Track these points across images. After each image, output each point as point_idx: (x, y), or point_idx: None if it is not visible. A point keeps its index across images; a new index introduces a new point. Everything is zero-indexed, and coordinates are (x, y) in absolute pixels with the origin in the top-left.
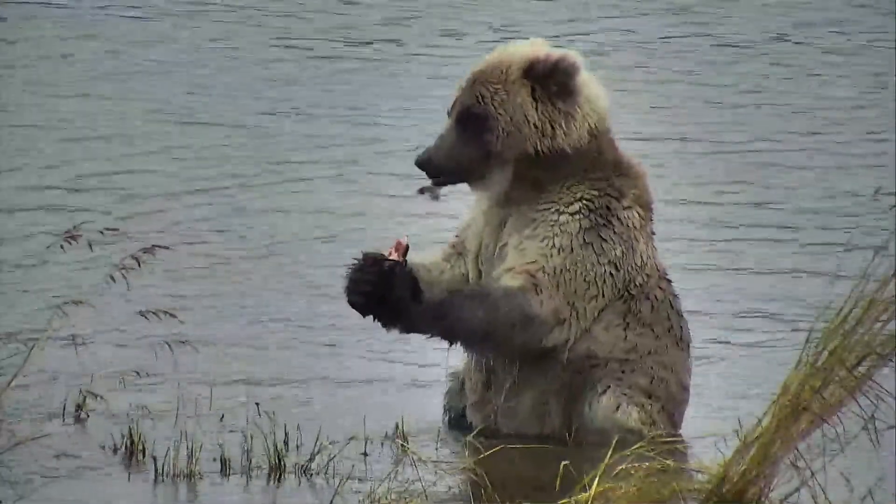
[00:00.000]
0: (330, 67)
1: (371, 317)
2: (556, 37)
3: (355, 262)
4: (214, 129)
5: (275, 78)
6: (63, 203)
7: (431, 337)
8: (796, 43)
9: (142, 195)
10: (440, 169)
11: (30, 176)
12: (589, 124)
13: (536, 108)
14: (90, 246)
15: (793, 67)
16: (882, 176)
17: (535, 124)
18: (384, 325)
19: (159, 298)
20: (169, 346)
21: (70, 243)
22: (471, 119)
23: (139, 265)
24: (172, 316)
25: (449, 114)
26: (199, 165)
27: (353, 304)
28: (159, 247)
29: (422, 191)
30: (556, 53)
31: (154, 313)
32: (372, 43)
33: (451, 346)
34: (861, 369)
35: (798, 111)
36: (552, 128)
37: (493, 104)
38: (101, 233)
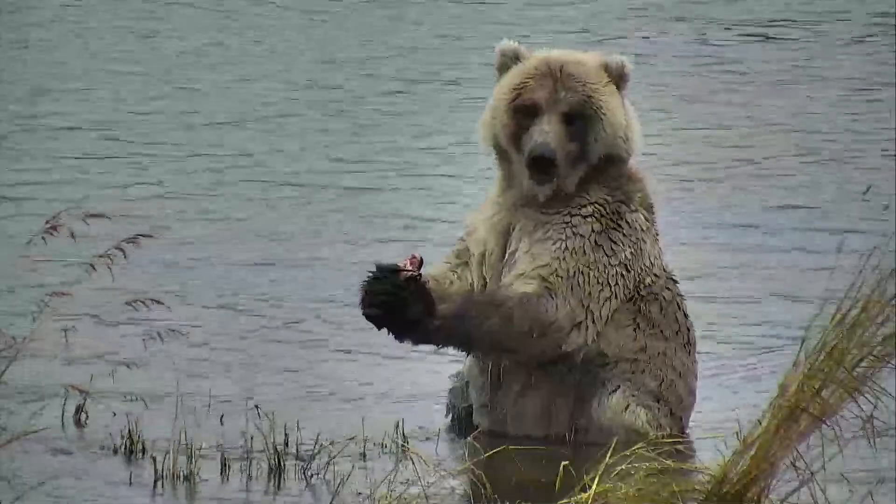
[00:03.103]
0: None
1: (385, 329)
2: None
3: (370, 274)
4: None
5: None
6: (45, 193)
7: (443, 347)
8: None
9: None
10: (559, 163)
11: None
12: (640, 134)
13: (624, 112)
14: (72, 235)
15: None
16: (878, 176)
17: (624, 128)
18: (398, 338)
19: (156, 291)
20: (159, 335)
21: (52, 234)
22: (579, 117)
23: (125, 256)
24: (160, 303)
25: (534, 108)
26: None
27: (368, 317)
28: (143, 235)
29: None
30: (618, 57)
31: (142, 302)
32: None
33: (467, 355)
34: (860, 370)
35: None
36: (629, 133)
37: (598, 105)
38: (84, 220)
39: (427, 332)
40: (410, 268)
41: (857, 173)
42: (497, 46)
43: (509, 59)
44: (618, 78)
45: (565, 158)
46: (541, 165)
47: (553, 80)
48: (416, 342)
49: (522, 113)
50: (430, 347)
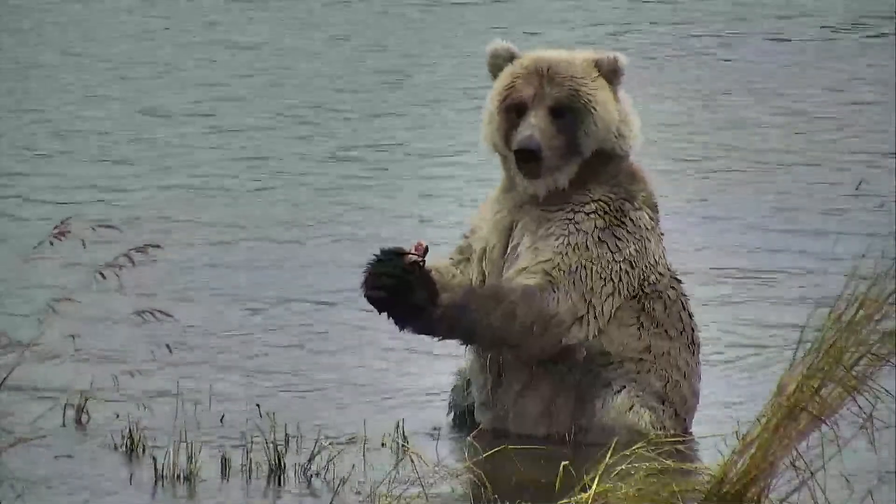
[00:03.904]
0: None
1: (385, 314)
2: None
3: (374, 257)
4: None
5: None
6: (53, 198)
7: (444, 339)
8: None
9: (132, 191)
10: (546, 157)
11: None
12: (638, 129)
13: (617, 107)
14: (83, 243)
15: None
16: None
17: (617, 123)
18: (399, 324)
19: (158, 294)
20: (168, 348)
21: (60, 239)
22: (567, 111)
23: (132, 264)
24: (168, 315)
25: (522, 105)
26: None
27: (371, 300)
28: (151, 246)
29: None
30: (612, 53)
31: (150, 313)
32: None
33: (466, 346)
34: (858, 368)
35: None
36: (622, 129)
37: (587, 98)
38: (93, 229)
39: (429, 320)
40: (416, 253)
41: (859, 172)
42: (487, 48)
43: (502, 60)
44: (610, 73)
45: (553, 151)
46: (526, 158)
47: (539, 78)
48: (418, 330)
49: (512, 112)
50: (431, 339)
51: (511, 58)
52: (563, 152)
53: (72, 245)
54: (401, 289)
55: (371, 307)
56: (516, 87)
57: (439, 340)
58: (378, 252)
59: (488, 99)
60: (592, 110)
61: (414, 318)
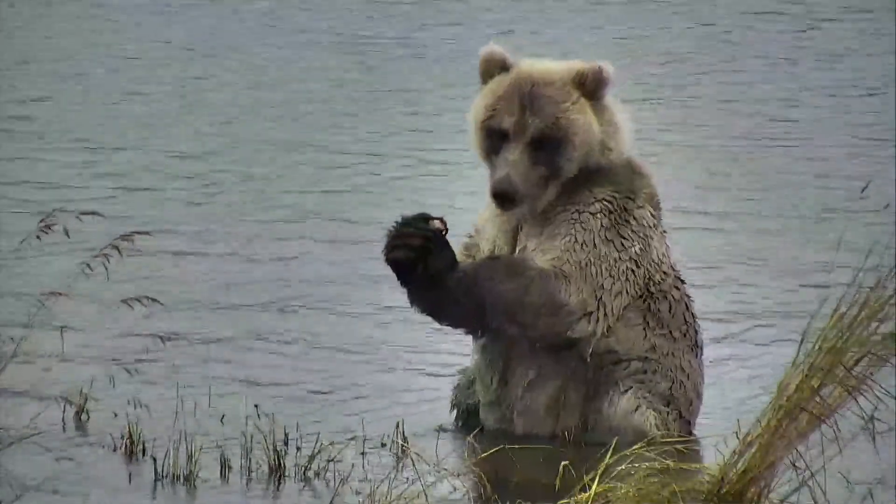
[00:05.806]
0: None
1: (402, 282)
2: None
3: (396, 222)
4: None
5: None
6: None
7: (452, 324)
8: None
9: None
10: (521, 195)
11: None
12: (629, 135)
13: (599, 125)
14: (66, 232)
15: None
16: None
17: (600, 141)
18: (412, 297)
19: (152, 289)
20: (161, 338)
21: (46, 232)
22: (548, 140)
23: (119, 253)
24: (155, 301)
25: (504, 133)
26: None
27: (393, 261)
28: (139, 233)
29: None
30: (596, 64)
31: (138, 300)
32: None
33: (475, 332)
34: (859, 368)
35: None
36: (608, 143)
37: (566, 126)
38: (78, 218)
39: (446, 287)
40: (439, 224)
41: (860, 171)
42: (481, 52)
43: (494, 68)
44: (594, 85)
45: (530, 187)
46: (502, 199)
47: (521, 106)
48: (430, 303)
49: (493, 136)
50: (436, 323)
51: (503, 66)
52: (543, 181)
53: (59, 236)
54: (425, 249)
55: (392, 272)
56: (498, 112)
57: (444, 324)
58: (401, 218)
59: (472, 107)
60: (572, 137)
61: (431, 285)
